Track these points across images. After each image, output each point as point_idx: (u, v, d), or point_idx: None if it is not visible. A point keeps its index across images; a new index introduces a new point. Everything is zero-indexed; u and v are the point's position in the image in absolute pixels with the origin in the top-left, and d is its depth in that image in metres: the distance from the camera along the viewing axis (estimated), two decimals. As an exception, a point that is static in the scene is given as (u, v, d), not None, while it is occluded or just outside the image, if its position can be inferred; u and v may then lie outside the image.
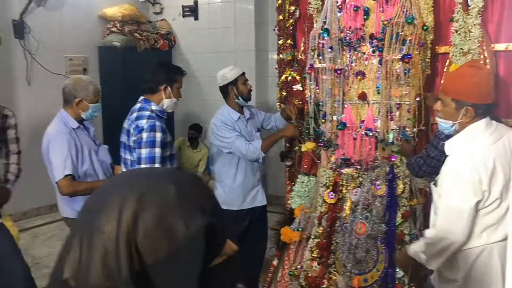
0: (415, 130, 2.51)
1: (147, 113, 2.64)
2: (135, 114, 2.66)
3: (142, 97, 2.79)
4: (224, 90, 3.30)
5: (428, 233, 2.03)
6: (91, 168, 2.84)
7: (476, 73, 2.04)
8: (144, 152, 2.54)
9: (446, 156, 2.06)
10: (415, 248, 2.12)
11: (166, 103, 2.77)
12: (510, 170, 1.95)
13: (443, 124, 2.08)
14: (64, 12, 5.66)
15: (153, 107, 2.70)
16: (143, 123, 2.58)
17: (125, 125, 2.75)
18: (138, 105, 2.74)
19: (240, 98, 3.25)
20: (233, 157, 3.23)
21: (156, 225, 0.67)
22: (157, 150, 2.56)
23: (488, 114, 2.04)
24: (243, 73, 3.32)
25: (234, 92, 3.25)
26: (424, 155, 2.36)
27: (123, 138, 2.74)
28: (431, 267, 2.08)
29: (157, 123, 2.61)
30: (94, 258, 0.66)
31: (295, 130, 3.11)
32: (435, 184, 2.07)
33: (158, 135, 2.58)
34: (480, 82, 2.01)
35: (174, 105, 2.82)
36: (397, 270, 2.51)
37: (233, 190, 3.26)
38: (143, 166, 2.52)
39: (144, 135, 2.55)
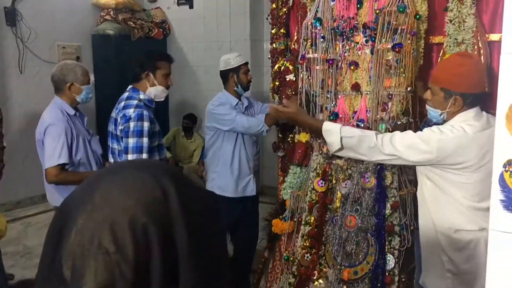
0: (404, 120, 2.48)
1: (135, 102, 2.60)
2: (122, 103, 2.62)
3: (130, 86, 2.75)
4: (225, 75, 3.32)
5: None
6: (85, 157, 2.84)
7: (465, 62, 2.05)
8: (131, 141, 2.50)
9: None
10: (339, 127, 2.25)
11: (153, 91, 2.70)
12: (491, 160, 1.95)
13: (432, 113, 2.13)
14: (56, 0, 5.59)
15: (141, 96, 2.66)
16: (131, 112, 2.54)
17: (113, 114, 2.72)
18: (126, 94, 2.70)
19: (239, 86, 3.27)
20: (231, 141, 3.23)
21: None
22: (145, 140, 2.52)
23: (477, 104, 2.03)
24: (247, 63, 3.36)
25: (234, 79, 3.28)
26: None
27: (111, 127, 2.70)
28: (333, 149, 2.26)
29: (145, 112, 2.57)
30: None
31: (292, 104, 3.01)
32: None
33: (146, 125, 2.53)
34: (469, 71, 2.02)
35: (162, 93, 2.75)
36: (388, 261, 2.50)
37: (227, 175, 3.28)
38: (129, 156, 2.49)
39: (131, 124, 2.51)
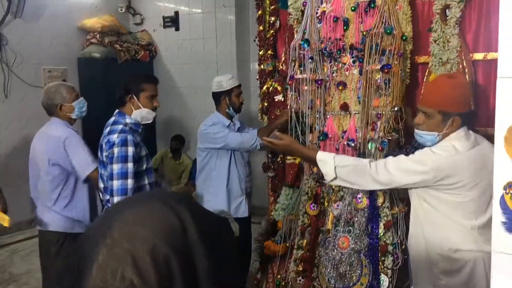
0: (394, 137, 2.51)
1: (120, 127, 2.56)
2: (108, 129, 2.59)
3: (116, 111, 2.72)
4: (217, 97, 3.34)
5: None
6: None
7: (457, 83, 2.08)
8: (116, 167, 2.47)
9: None
10: (332, 156, 2.20)
11: (138, 114, 2.67)
12: (486, 178, 1.98)
13: (427, 137, 2.10)
14: (42, 24, 5.59)
15: (127, 120, 2.63)
16: (114, 137, 2.51)
17: (101, 140, 2.69)
18: (112, 119, 2.66)
19: (231, 108, 3.28)
20: (224, 160, 3.23)
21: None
22: (130, 165, 2.49)
23: (466, 123, 2.07)
24: (239, 85, 3.36)
25: (226, 101, 3.30)
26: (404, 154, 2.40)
27: (99, 153, 2.67)
28: (328, 179, 2.21)
29: (129, 137, 2.52)
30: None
31: (287, 114, 3.02)
32: None
33: (130, 150, 2.49)
34: (464, 92, 2.07)
35: (149, 115, 2.70)
36: (382, 281, 2.49)
37: (222, 196, 3.27)
38: (115, 182, 2.46)
39: (116, 150, 2.48)
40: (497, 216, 0.74)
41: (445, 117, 2.04)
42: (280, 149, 2.52)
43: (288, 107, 2.99)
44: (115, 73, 5.62)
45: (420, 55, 2.70)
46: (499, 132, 0.75)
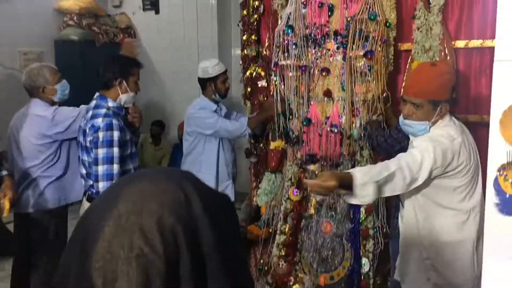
0: (378, 118, 2.54)
1: (103, 111, 2.51)
2: (90, 113, 2.53)
3: (97, 94, 2.66)
4: (203, 82, 3.34)
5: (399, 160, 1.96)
6: None
7: (442, 70, 2.11)
8: (101, 152, 2.42)
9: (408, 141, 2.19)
10: (369, 174, 1.89)
11: (124, 98, 2.64)
12: (474, 161, 2.03)
13: (418, 126, 2.08)
14: (18, 4, 5.41)
15: (110, 104, 2.57)
16: (99, 121, 2.46)
17: (81, 124, 2.64)
18: (93, 103, 2.59)
19: (217, 95, 3.27)
20: (213, 144, 3.23)
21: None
22: (115, 150, 2.44)
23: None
24: (225, 71, 3.32)
25: (212, 87, 3.28)
26: (387, 135, 2.45)
27: (80, 138, 2.62)
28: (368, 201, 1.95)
29: (114, 121, 2.48)
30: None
31: (273, 107, 2.95)
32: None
33: (116, 134, 2.45)
34: (449, 78, 2.10)
35: (132, 99, 2.68)
36: (363, 264, 2.54)
37: (211, 180, 3.27)
38: (100, 167, 2.42)
39: (101, 134, 2.43)
40: (491, 198, 0.76)
41: (434, 105, 2.05)
42: (329, 191, 1.97)
43: (272, 93, 2.99)
44: (93, 56, 5.49)
45: (403, 42, 2.73)
46: (494, 116, 0.77)
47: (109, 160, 2.44)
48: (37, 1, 5.62)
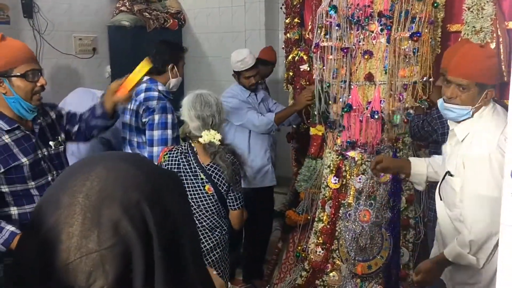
0: (422, 105, 2.43)
1: (156, 93, 2.60)
2: (142, 95, 2.60)
3: (147, 77, 2.71)
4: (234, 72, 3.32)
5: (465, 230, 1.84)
6: None
7: (490, 53, 1.98)
8: (157, 134, 2.51)
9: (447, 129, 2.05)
10: (456, 251, 1.85)
11: (173, 82, 2.72)
12: None
13: (460, 111, 1.90)
14: (72, -9, 5.61)
15: (160, 88, 2.65)
16: (154, 104, 2.54)
17: (131, 106, 2.69)
18: (144, 85, 2.65)
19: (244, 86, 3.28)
20: (243, 133, 3.22)
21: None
22: (169, 132, 2.55)
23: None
24: (250, 68, 3.24)
25: (238, 80, 3.30)
26: (426, 123, 2.35)
27: (126, 119, 2.68)
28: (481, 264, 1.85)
29: (168, 104, 2.58)
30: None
31: (305, 99, 3.00)
32: (451, 174, 1.94)
33: (170, 117, 2.55)
34: (496, 62, 1.95)
35: (179, 83, 2.78)
36: (402, 254, 2.46)
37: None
38: (155, 148, 2.50)
39: (156, 116, 2.52)
40: (508, 188, 0.70)
41: (481, 89, 1.88)
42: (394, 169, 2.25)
43: (314, 77, 2.93)
44: (144, 42, 5.61)
45: (452, 23, 2.57)
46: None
47: (163, 142, 2.53)
48: (91, -13, 5.80)
